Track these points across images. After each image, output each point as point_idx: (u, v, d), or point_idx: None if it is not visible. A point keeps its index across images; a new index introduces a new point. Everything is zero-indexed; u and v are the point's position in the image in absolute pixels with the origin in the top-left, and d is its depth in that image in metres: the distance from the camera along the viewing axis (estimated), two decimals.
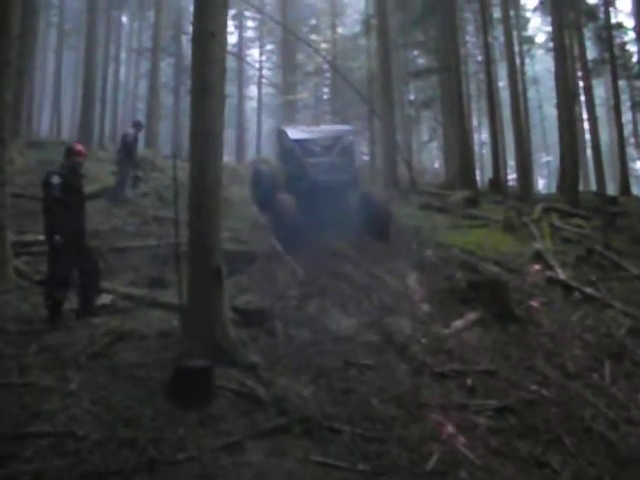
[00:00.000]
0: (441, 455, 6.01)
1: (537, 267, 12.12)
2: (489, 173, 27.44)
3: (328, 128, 15.11)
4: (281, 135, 13.91)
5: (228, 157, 32.51)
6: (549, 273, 11.72)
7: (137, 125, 15.19)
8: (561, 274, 11.63)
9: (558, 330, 9.66)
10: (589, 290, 11.09)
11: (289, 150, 13.00)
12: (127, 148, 14.74)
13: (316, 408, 6.36)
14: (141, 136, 18.07)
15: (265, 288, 9.82)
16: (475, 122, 38.79)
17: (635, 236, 14.26)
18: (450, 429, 6.54)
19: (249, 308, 8.38)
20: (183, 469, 5.15)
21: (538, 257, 12.53)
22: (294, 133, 13.26)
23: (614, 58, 25.42)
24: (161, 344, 7.41)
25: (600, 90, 34.95)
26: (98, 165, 18.92)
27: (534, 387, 7.69)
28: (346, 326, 8.78)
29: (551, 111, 37.95)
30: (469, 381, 7.67)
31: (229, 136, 38.00)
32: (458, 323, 9.47)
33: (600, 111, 37.05)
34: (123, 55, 39.39)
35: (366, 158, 30.35)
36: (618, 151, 22.10)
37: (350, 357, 7.80)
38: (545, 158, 42.99)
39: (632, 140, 29.78)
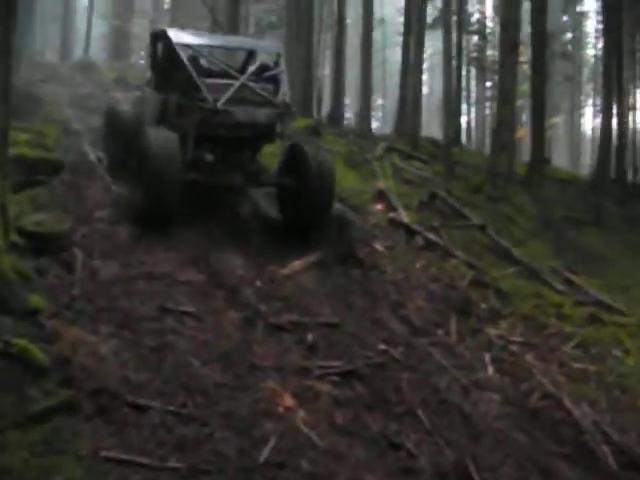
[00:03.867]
0: (278, 438, 4.53)
1: (380, 207, 11.01)
2: (325, 108, 26.19)
3: (237, 39, 10.81)
4: (159, 40, 8.92)
5: (50, 54, 28.20)
6: (392, 214, 10.64)
7: None
8: (404, 217, 10.60)
9: (402, 278, 8.57)
10: (432, 236, 10.16)
11: (172, 62, 8.28)
12: None
13: (116, 373, 4.58)
14: None
15: (68, 206, 7.66)
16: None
17: (472, 186, 13.70)
18: (288, 400, 5.09)
19: (40, 230, 6.26)
20: None
21: (381, 196, 11.41)
22: (181, 36, 8.54)
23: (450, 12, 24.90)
24: None
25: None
26: None
27: (382, 346, 6.46)
28: (165, 260, 6.96)
29: (393, 56, 37.50)
30: (310, 336, 6.26)
31: (53, 33, 33.23)
32: (296, 264, 8.01)
33: (437, 60, 37.24)
34: None
35: None
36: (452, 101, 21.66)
37: (167, 301, 6.05)
38: (380, 101, 42.89)
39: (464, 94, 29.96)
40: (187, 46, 8.35)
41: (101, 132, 10.17)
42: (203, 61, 8.90)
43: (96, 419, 4.06)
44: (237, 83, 7.96)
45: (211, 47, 9.20)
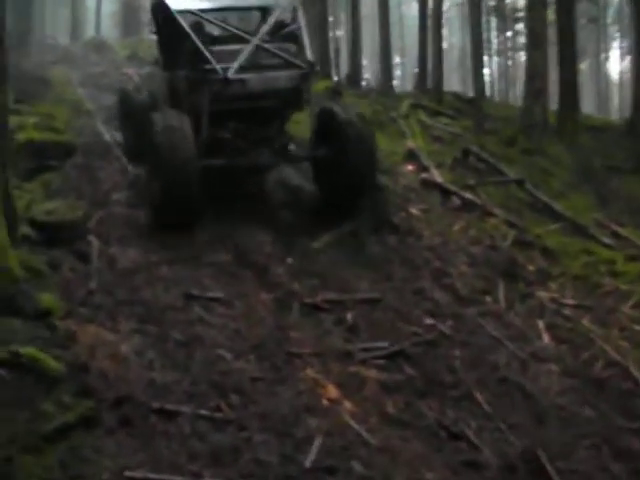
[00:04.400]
0: (324, 437, 4.00)
1: (411, 167, 10.29)
2: (342, 71, 25.27)
3: None
4: (158, 12, 7.84)
5: (62, 36, 27.61)
6: (424, 175, 9.91)
7: None
8: (437, 176, 9.87)
9: (441, 243, 7.91)
10: (468, 195, 9.43)
11: (174, 34, 7.27)
12: None
13: (140, 377, 4.06)
14: None
15: (83, 191, 7.14)
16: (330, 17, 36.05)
17: (505, 139, 12.83)
18: (332, 391, 4.55)
19: (51, 220, 5.74)
20: None
21: (411, 156, 10.66)
22: (180, 2, 7.40)
23: None
24: None
25: None
26: None
27: (429, 320, 5.87)
28: (188, 242, 6.40)
29: (409, 11, 36.06)
30: (349, 315, 5.69)
31: (64, 15, 32.61)
32: (328, 235, 7.41)
33: (454, 13, 35.84)
34: None
35: None
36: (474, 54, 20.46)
37: (192, 287, 5.50)
38: (398, 59, 41.59)
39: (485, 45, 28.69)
40: (188, 12, 7.25)
41: (115, 112, 9.34)
42: (210, 28, 7.69)
43: (119, 432, 3.55)
44: (249, 47, 6.90)
45: (216, 10, 7.78)
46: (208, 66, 6.75)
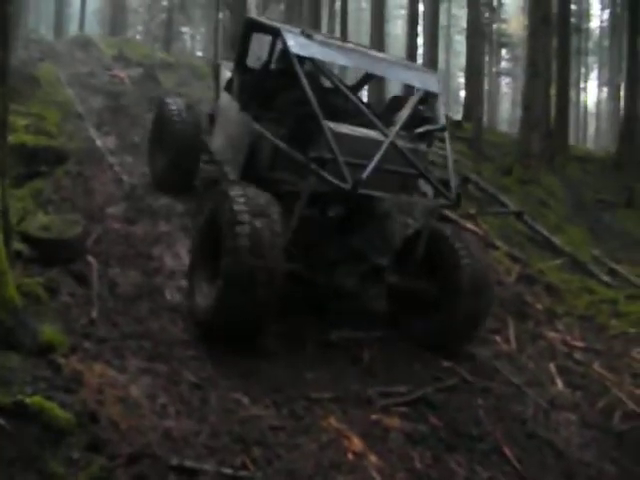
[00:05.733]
0: None
1: None
2: None
3: (376, 55, 6.28)
4: (250, 31, 6.22)
5: (45, 30, 26.80)
6: None
7: None
8: None
9: None
10: (469, 225, 9.19)
11: (281, 79, 5.74)
12: None
13: (154, 426, 3.61)
14: None
15: (76, 202, 6.65)
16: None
17: (502, 168, 12.66)
18: (356, 443, 4.16)
19: (46, 236, 5.24)
20: None
21: None
22: (303, 43, 5.21)
23: None
24: None
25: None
26: None
27: (446, 363, 5.53)
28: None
29: (394, 29, 36.03)
30: (366, 354, 5.32)
31: (48, 9, 31.81)
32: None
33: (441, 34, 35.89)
34: None
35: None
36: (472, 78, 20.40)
37: None
38: None
39: None
40: (307, 60, 5.22)
41: (149, 133, 7.72)
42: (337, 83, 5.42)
43: None
44: (384, 145, 4.79)
45: (347, 67, 6.14)
46: (319, 152, 4.70)
